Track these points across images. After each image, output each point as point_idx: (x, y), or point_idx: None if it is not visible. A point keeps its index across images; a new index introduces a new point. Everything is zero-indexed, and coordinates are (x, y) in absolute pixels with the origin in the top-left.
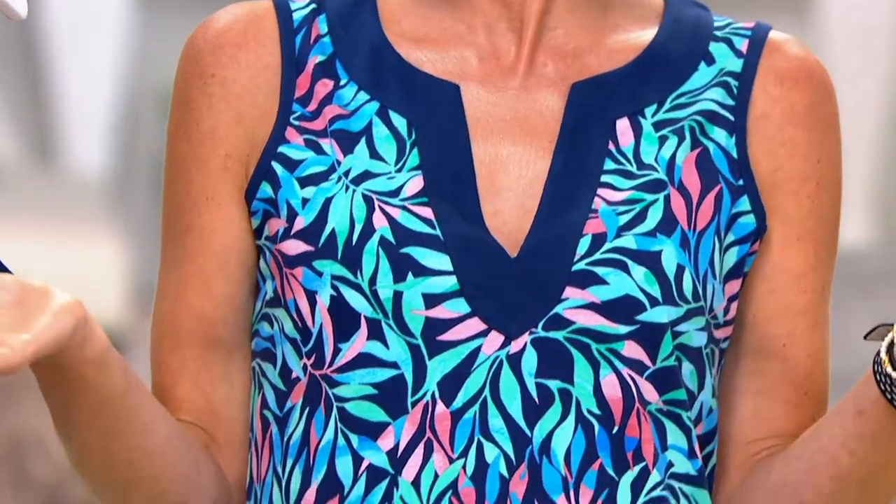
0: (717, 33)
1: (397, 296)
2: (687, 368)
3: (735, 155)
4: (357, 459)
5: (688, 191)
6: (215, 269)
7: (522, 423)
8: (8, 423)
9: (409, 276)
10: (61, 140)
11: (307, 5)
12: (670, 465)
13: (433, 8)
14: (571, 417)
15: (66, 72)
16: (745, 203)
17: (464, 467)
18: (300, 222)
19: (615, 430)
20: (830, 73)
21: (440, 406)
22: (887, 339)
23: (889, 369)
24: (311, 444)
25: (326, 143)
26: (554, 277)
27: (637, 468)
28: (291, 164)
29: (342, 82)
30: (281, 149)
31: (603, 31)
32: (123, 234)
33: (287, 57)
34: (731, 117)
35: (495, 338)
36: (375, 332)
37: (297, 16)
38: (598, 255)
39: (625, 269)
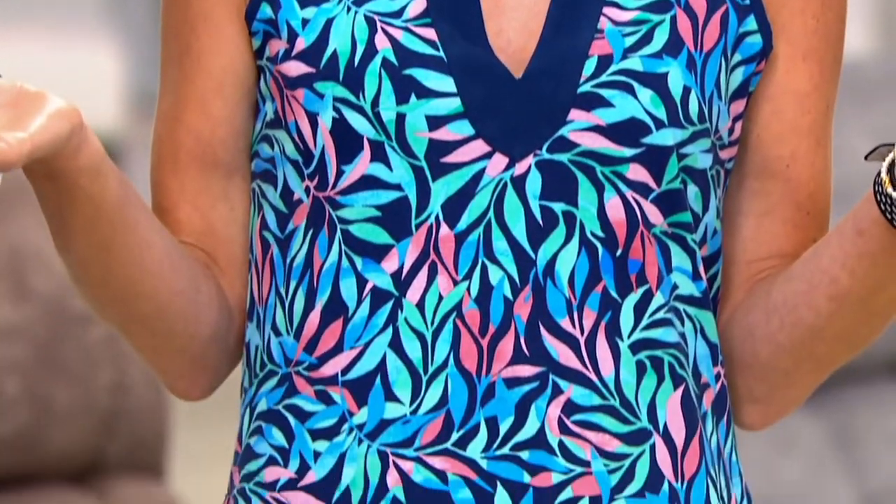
0: None
1: (400, 117)
2: (692, 191)
3: None
4: (361, 281)
5: (694, 11)
6: (213, 91)
7: (527, 246)
8: (8, 236)
9: (412, 97)
10: None
11: None
12: (675, 287)
13: None
14: (575, 240)
15: None
16: (751, 22)
17: (468, 290)
18: (301, 43)
19: (619, 252)
20: None
21: (444, 228)
22: (888, 160)
23: (889, 189)
24: (314, 266)
25: None
26: (559, 99)
27: (640, 290)
28: None
29: None
30: None
31: None
32: (121, 37)
33: None
34: None
35: (499, 160)
36: (378, 154)
37: None
38: (604, 77)
39: (631, 91)
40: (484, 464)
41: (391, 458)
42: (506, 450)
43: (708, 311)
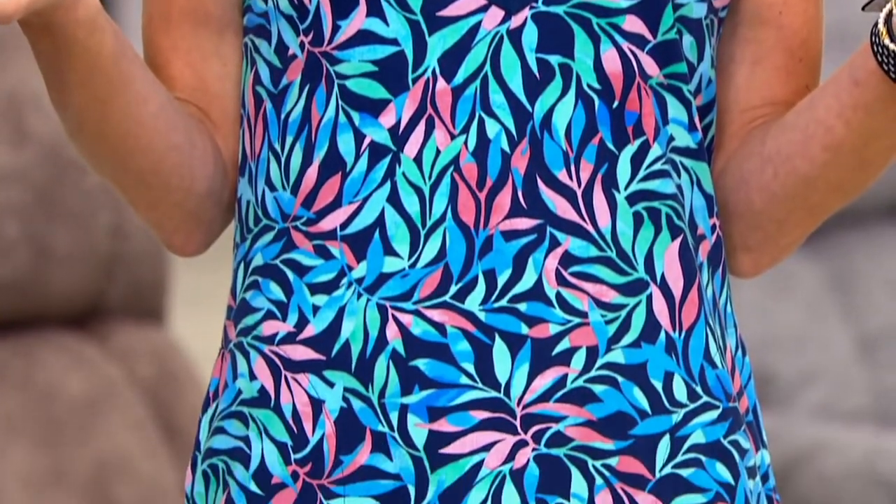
0: None
1: None
2: (687, 40)
3: None
4: (359, 136)
5: None
6: None
7: (523, 99)
8: (6, 80)
9: None
10: None
11: None
12: (671, 138)
13: None
14: (572, 92)
15: None
16: None
17: (465, 143)
18: None
19: (615, 104)
20: None
21: (441, 82)
22: (885, 10)
23: (887, 41)
24: (312, 122)
25: None
26: None
27: (637, 142)
28: None
29: None
30: None
31: None
32: None
33: None
34: None
35: (495, 13)
36: (375, 9)
37: None
38: None
39: None
40: (482, 316)
41: (390, 311)
42: (504, 302)
43: (704, 163)
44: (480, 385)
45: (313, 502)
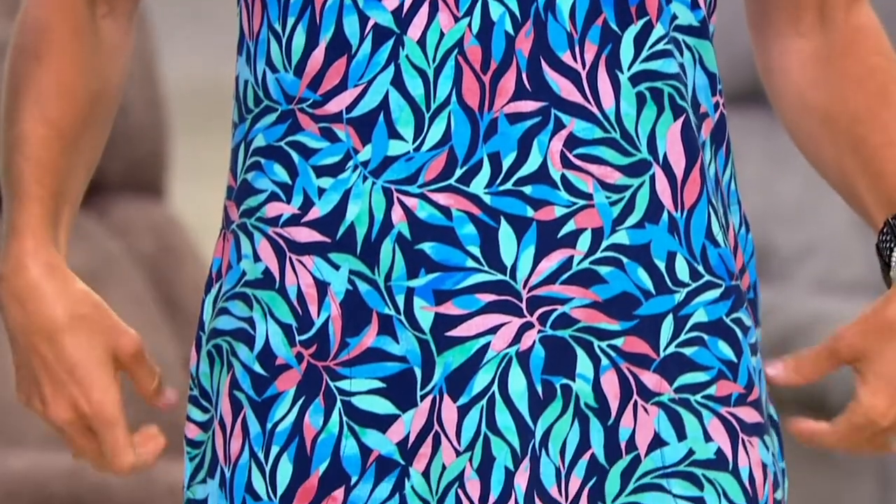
0: None
1: None
2: None
3: None
4: (363, 18)
5: None
6: None
7: None
8: None
9: None
10: None
11: None
12: (674, 17)
13: None
14: None
15: None
16: None
17: (469, 26)
18: None
19: None
20: None
21: None
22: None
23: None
24: (315, 3)
25: None
26: None
27: (640, 22)
28: None
29: None
30: None
31: None
32: None
33: None
34: None
35: None
36: None
37: None
38: None
39: None
40: (487, 199)
41: (395, 194)
42: (509, 185)
43: (706, 41)
44: (486, 268)
45: (318, 384)
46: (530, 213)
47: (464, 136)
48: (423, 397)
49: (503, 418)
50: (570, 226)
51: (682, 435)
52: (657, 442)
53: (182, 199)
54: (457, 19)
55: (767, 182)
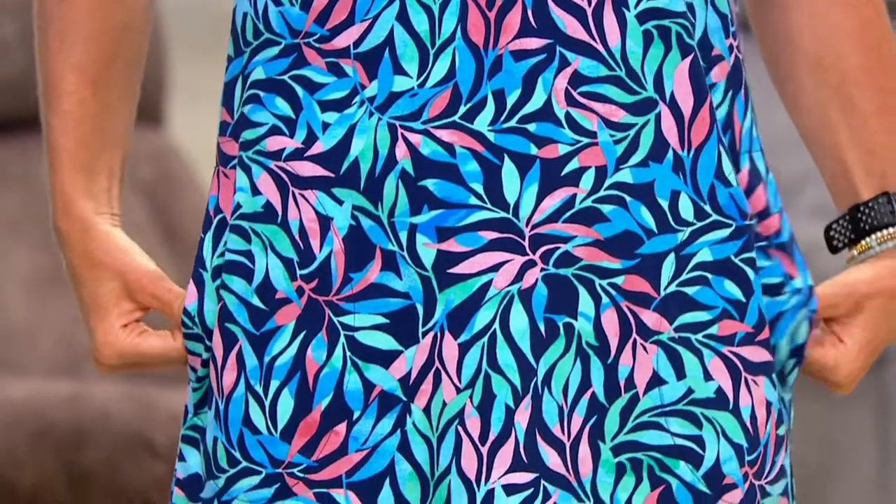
0: None
1: None
2: None
3: None
4: None
5: None
6: None
7: None
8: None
9: None
10: None
11: None
12: None
13: None
14: None
15: None
16: None
17: None
18: None
19: None
20: None
21: None
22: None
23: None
24: None
25: None
26: None
27: None
28: None
29: None
30: None
31: None
32: None
33: None
34: None
35: None
36: None
37: None
38: None
39: None
40: (491, 136)
41: (399, 130)
42: (513, 122)
43: None
44: (489, 205)
45: (320, 319)
46: (534, 150)
47: (468, 72)
48: (424, 334)
49: (504, 356)
50: (573, 164)
51: (681, 374)
52: (656, 380)
53: (181, 126)
54: None
55: (764, 110)
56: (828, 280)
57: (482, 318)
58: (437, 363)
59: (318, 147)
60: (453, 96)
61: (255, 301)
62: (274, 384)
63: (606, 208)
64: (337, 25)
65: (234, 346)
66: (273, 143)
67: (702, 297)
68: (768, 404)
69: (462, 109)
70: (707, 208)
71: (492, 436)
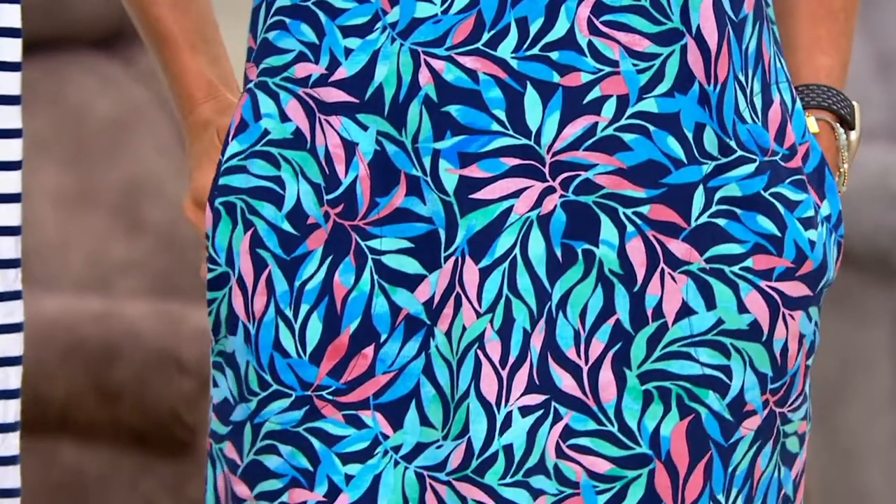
0: None
1: None
2: None
3: None
4: None
5: None
6: None
7: None
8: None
9: None
10: None
11: None
12: None
13: None
14: None
15: None
16: None
17: None
18: None
19: None
20: None
21: None
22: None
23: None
24: None
25: None
26: None
27: None
28: None
29: None
30: None
31: None
32: None
33: None
34: None
35: None
36: None
37: None
38: None
39: None
40: (514, 64)
41: (423, 56)
42: (535, 50)
43: None
44: (511, 132)
45: (347, 243)
46: (556, 78)
47: (491, 0)
48: (446, 259)
49: (524, 281)
50: (595, 92)
51: (711, 304)
52: (685, 310)
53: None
54: None
55: None
56: None
57: (503, 243)
58: (457, 288)
59: (342, 73)
60: (477, 23)
61: (286, 226)
62: (303, 308)
63: (628, 137)
64: None
65: (263, 271)
66: (301, 70)
67: (733, 231)
68: (801, 336)
69: (486, 37)
70: (732, 144)
71: (511, 359)
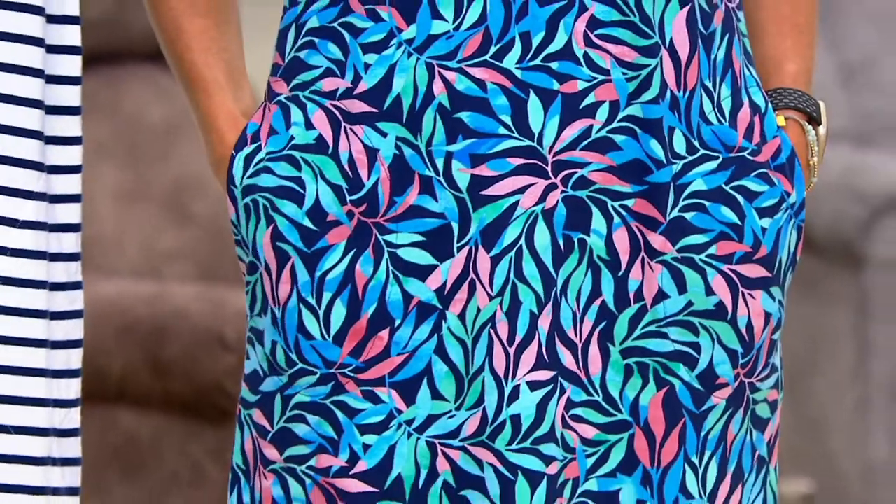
0: None
1: None
2: None
3: None
4: None
5: None
6: None
7: None
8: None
9: None
10: None
11: None
12: None
13: None
14: None
15: None
16: None
17: None
18: None
19: None
20: None
21: None
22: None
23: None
24: None
25: None
26: None
27: None
28: None
29: None
30: None
31: None
32: None
33: None
34: None
35: None
36: None
37: None
38: None
39: None
40: (518, 73)
41: (437, 69)
42: (537, 61)
43: None
44: (516, 135)
45: (368, 238)
46: (556, 86)
47: (498, 17)
48: (459, 249)
49: (529, 268)
50: (590, 98)
51: (682, 289)
52: (660, 296)
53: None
54: None
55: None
56: None
57: (510, 234)
58: (472, 274)
59: (363, 86)
60: (485, 38)
61: (307, 222)
62: (326, 295)
63: (619, 138)
64: None
65: (286, 263)
66: (329, 84)
67: (698, 222)
68: (766, 315)
69: (493, 49)
70: (696, 143)
71: (517, 338)
